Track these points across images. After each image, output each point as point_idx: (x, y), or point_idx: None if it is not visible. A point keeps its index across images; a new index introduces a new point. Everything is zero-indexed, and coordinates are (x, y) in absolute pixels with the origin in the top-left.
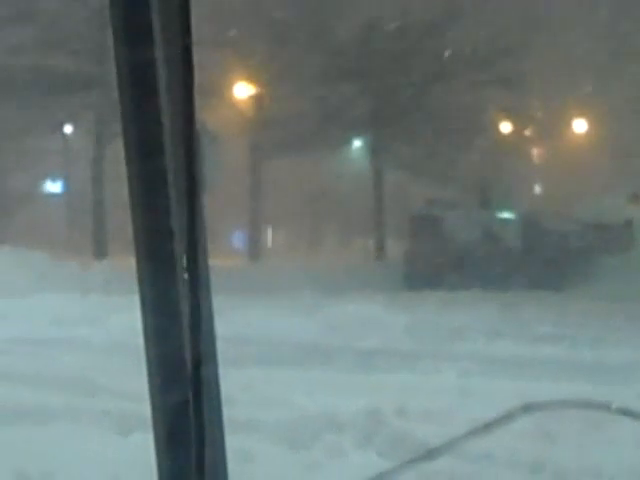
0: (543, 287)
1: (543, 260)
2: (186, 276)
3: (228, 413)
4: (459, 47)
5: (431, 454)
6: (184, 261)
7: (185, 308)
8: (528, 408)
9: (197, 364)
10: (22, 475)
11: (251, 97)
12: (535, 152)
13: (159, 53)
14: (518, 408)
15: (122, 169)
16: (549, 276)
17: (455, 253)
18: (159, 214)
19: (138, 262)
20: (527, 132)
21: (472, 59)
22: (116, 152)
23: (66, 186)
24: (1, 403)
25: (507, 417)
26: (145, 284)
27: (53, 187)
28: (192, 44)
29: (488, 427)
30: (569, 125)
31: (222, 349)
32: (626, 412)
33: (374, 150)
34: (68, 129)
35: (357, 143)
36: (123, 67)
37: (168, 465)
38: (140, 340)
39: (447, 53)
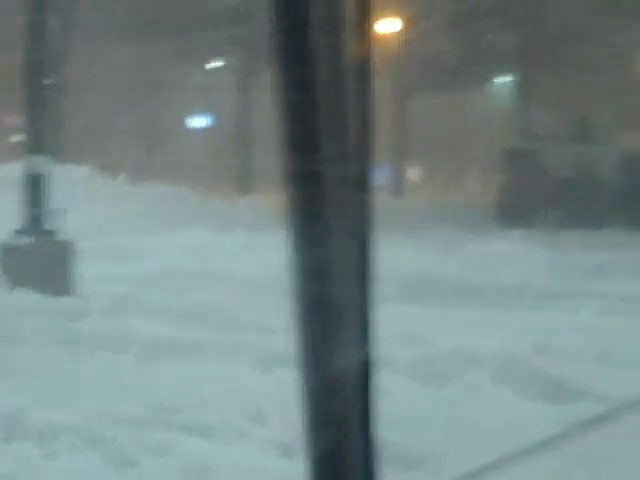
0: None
1: None
2: (353, 213)
3: None
4: None
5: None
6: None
7: (335, 248)
8: None
9: (366, 308)
10: (163, 408)
11: (397, 33)
12: None
13: None
14: None
15: (268, 105)
16: None
17: (550, 189)
18: (310, 151)
19: (289, 200)
20: None
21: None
22: (262, 88)
23: (212, 121)
24: (146, 337)
25: None
26: (296, 222)
27: (199, 122)
28: None
29: None
30: None
31: None
32: None
33: (519, 87)
34: (216, 64)
35: (502, 80)
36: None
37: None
38: (283, 276)
39: None
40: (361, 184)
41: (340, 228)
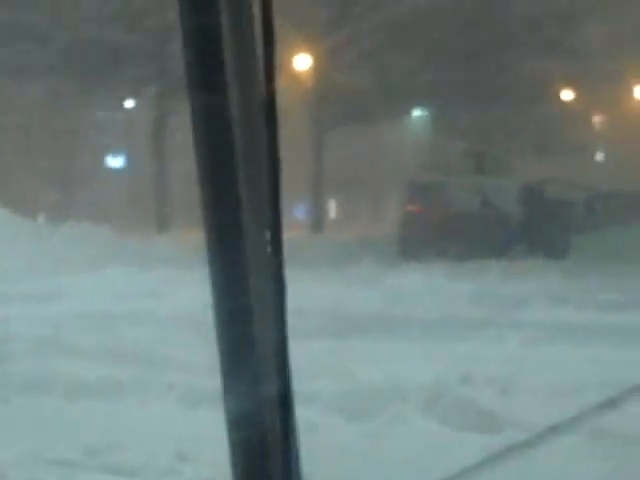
0: (544, 256)
1: (544, 228)
2: (269, 250)
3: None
4: (519, 14)
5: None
6: (267, 235)
7: (254, 285)
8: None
9: (283, 343)
10: (90, 448)
11: (312, 68)
12: (596, 119)
13: (225, 20)
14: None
15: (183, 143)
16: (550, 245)
17: (453, 221)
18: (228, 189)
19: (207, 238)
20: (587, 99)
21: (532, 26)
22: (177, 126)
23: (128, 161)
24: (69, 378)
25: (615, 399)
26: (213, 258)
27: (115, 162)
28: (273, 14)
29: (599, 408)
30: (630, 91)
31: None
32: None
33: (434, 120)
34: (129, 104)
35: (417, 113)
36: (189, 36)
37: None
38: (205, 313)
39: (508, 22)
40: (275, 220)
41: (257, 263)
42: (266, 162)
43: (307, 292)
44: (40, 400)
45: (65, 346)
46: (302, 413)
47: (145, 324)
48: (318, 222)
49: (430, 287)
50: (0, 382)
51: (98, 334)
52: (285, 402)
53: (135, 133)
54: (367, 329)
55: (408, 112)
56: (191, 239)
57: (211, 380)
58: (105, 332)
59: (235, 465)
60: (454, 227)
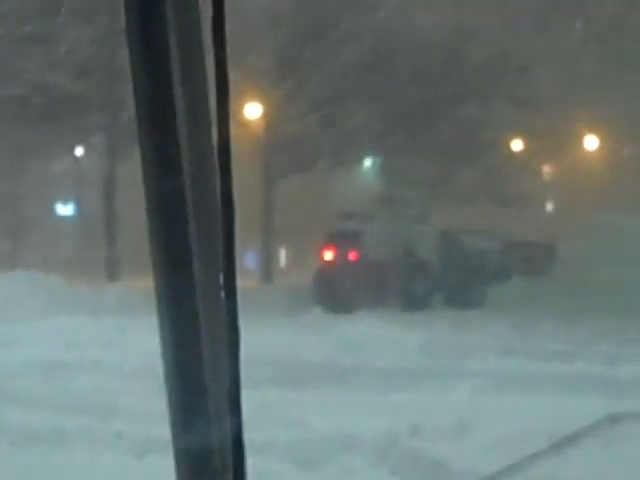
0: (459, 305)
1: (459, 278)
2: (223, 296)
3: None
4: (470, 64)
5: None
6: (220, 280)
7: (204, 332)
8: (614, 419)
9: (236, 391)
10: None
11: (262, 117)
12: (546, 169)
13: (176, 70)
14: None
15: (133, 191)
16: (467, 294)
17: (369, 270)
18: (177, 235)
19: (156, 284)
20: (538, 149)
21: (483, 76)
22: (127, 174)
23: (78, 208)
24: (17, 426)
25: (593, 428)
26: (163, 306)
27: (65, 210)
28: (226, 59)
29: (573, 439)
30: (580, 142)
31: None
32: None
33: (384, 170)
34: (79, 151)
35: (368, 162)
36: (139, 87)
37: None
38: (153, 362)
39: (459, 71)
40: (229, 266)
41: (210, 311)
42: (220, 209)
43: (259, 340)
44: None
45: (13, 394)
46: (253, 462)
47: (94, 373)
48: (268, 271)
49: (378, 336)
50: None
51: (47, 382)
52: (237, 450)
53: (85, 181)
54: (319, 378)
55: (359, 161)
56: (141, 287)
57: (160, 429)
58: (54, 380)
59: None
60: (371, 276)
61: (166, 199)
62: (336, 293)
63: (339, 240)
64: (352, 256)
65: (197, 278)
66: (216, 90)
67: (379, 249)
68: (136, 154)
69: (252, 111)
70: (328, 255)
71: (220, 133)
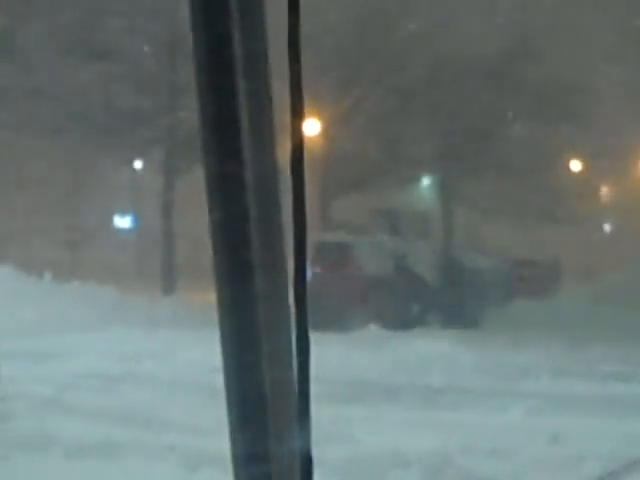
0: (456, 326)
1: (456, 297)
2: (292, 306)
3: None
4: (532, 85)
5: None
6: (289, 294)
7: (264, 345)
8: None
9: (306, 403)
10: None
11: (320, 134)
12: (604, 190)
13: (241, 81)
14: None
15: (191, 205)
16: (464, 314)
17: (360, 284)
18: (240, 249)
19: (219, 297)
20: (597, 170)
21: (540, 96)
22: (185, 188)
23: (135, 221)
24: (70, 438)
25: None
26: (225, 318)
27: (122, 222)
28: (301, 72)
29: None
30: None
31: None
32: None
33: (442, 188)
34: (137, 164)
35: (426, 181)
36: (204, 98)
37: None
38: (205, 375)
39: (518, 91)
40: (298, 278)
41: (270, 325)
42: (293, 217)
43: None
44: (40, 459)
45: (67, 406)
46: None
47: (147, 385)
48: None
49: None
50: (1, 440)
51: (100, 394)
52: (305, 467)
53: (143, 193)
54: (369, 395)
55: (417, 179)
56: (196, 300)
57: (213, 442)
58: (107, 392)
59: None
60: (362, 291)
61: (230, 214)
62: (320, 307)
63: (327, 252)
64: (339, 269)
65: (260, 289)
66: (290, 100)
67: (369, 263)
68: (194, 169)
69: (310, 128)
70: (316, 268)
71: (294, 142)
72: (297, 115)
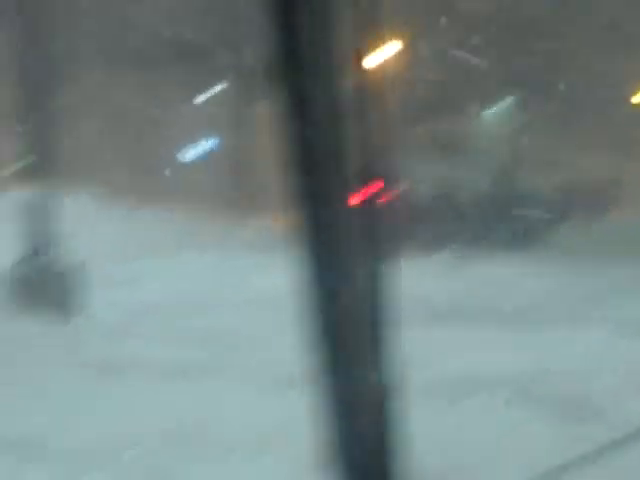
0: (519, 248)
1: (517, 217)
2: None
3: None
4: (603, 17)
5: None
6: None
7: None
8: None
9: (381, 331)
10: (168, 431)
11: (389, 62)
12: None
13: (309, 20)
14: None
15: (267, 131)
16: (523, 235)
17: (416, 206)
18: (313, 177)
19: (297, 222)
20: None
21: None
22: (261, 114)
23: (213, 147)
24: (150, 361)
25: None
26: (305, 245)
27: (200, 148)
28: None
29: None
30: None
31: None
32: None
33: (513, 115)
34: (211, 93)
35: (496, 108)
36: (274, 33)
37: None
38: (284, 300)
39: (590, 23)
40: (370, 206)
41: (351, 250)
42: (360, 152)
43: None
44: (121, 383)
45: (146, 329)
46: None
47: (225, 308)
48: None
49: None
50: (80, 365)
51: (178, 317)
52: (384, 393)
53: (221, 121)
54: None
55: (488, 106)
56: (273, 226)
57: (289, 365)
58: (184, 316)
59: (333, 456)
60: (417, 214)
61: (301, 146)
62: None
63: (373, 178)
64: (386, 196)
65: (339, 218)
66: (354, 39)
67: (417, 187)
68: (269, 97)
69: (379, 56)
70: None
71: (357, 78)
72: (361, 50)
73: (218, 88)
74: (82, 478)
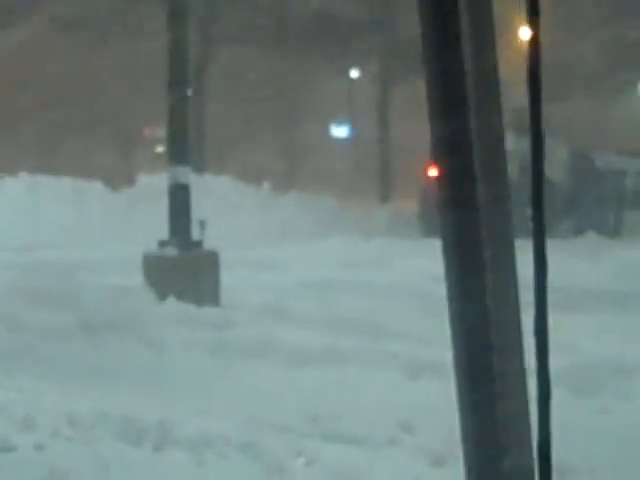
0: (595, 233)
1: (595, 202)
2: (532, 227)
3: None
4: None
5: None
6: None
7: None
8: None
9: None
10: (312, 416)
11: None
12: None
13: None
14: None
15: (406, 113)
16: (601, 221)
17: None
18: (462, 166)
19: (442, 213)
20: None
21: None
22: (401, 97)
23: (352, 130)
24: (292, 346)
25: None
26: (448, 235)
27: (339, 131)
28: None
29: None
30: None
31: None
32: None
33: None
34: (354, 74)
35: None
36: (425, 7)
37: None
38: (426, 283)
39: None
40: (537, 206)
41: (492, 236)
42: (531, 138)
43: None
44: (263, 367)
45: (288, 313)
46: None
47: (366, 293)
48: None
49: None
50: (225, 348)
51: (320, 302)
52: (543, 465)
53: (359, 103)
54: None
55: (634, 84)
56: (412, 209)
57: (431, 351)
58: (327, 301)
59: (470, 447)
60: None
61: (450, 126)
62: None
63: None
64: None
65: (481, 203)
66: (528, 9)
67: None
68: (410, 80)
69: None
70: (433, 172)
71: (531, 55)
72: (534, 23)
73: (362, 68)
74: (220, 463)
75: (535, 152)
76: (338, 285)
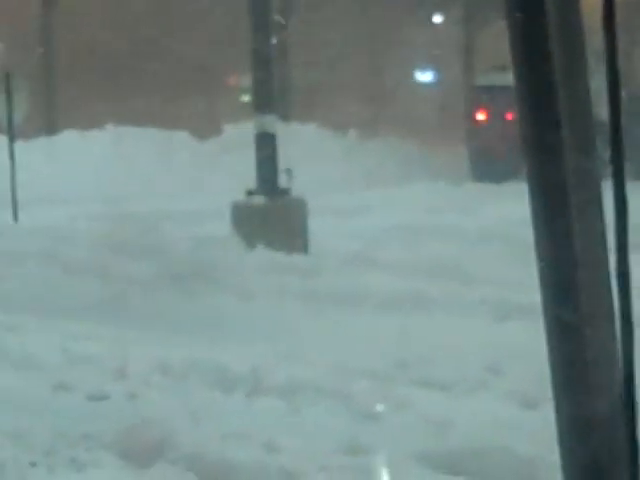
0: None
1: None
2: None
3: None
4: None
5: None
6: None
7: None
8: None
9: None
10: (402, 362)
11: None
12: None
13: None
14: None
15: (490, 59)
16: None
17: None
18: (548, 128)
19: (528, 158)
20: None
21: None
22: (484, 42)
23: (436, 76)
24: (380, 291)
25: None
26: (534, 179)
27: (424, 77)
28: None
29: None
30: None
31: None
32: None
33: None
34: (438, 19)
35: None
36: None
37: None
38: (513, 228)
39: None
40: (618, 180)
41: (580, 198)
42: (608, 84)
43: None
44: (352, 313)
45: (375, 260)
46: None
47: (453, 239)
48: None
49: None
50: (314, 296)
51: (407, 248)
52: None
53: (444, 48)
54: None
55: None
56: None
57: (518, 295)
58: (414, 246)
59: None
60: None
61: (534, 80)
62: (488, 160)
63: (490, 97)
64: (509, 116)
65: (568, 162)
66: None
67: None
68: (494, 22)
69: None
70: (480, 116)
71: (607, 17)
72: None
73: (446, 13)
74: (311, 409)
75: (612, 96)
76: (425, 231)
